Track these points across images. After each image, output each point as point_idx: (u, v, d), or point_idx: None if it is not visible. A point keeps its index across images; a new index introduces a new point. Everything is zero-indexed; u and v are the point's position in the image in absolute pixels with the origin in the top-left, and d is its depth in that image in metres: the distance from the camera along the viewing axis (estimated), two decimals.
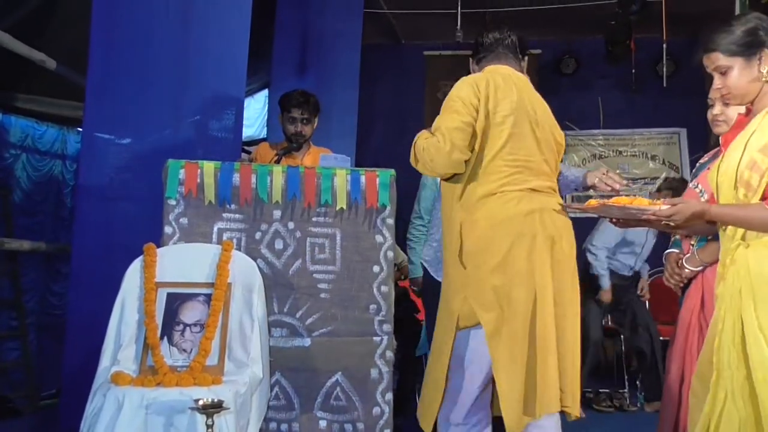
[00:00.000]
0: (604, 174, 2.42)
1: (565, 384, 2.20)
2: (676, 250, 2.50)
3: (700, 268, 2.38)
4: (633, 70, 6.35)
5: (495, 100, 2.24)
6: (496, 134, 2.23)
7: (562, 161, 2.49)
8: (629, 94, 6.61)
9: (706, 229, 2.11)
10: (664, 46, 5.71)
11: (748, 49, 1.89)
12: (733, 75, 1.91)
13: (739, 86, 1.92)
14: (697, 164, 2.74)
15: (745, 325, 1.81)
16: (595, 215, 2.17)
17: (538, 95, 2.39)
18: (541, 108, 2.36)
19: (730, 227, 1.92)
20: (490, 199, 2.23)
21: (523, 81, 2.36)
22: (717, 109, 2.44)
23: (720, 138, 2.31)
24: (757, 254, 1.84)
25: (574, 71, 6.83)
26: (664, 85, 5.89)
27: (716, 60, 1.92)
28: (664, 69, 5.88)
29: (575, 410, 2.22)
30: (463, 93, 2.26)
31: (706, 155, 2.72)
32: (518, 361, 2.16)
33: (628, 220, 2.11)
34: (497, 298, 2.19)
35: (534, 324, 2.18)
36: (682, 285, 2.43)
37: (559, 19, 6.25)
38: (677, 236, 2.51)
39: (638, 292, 4.62)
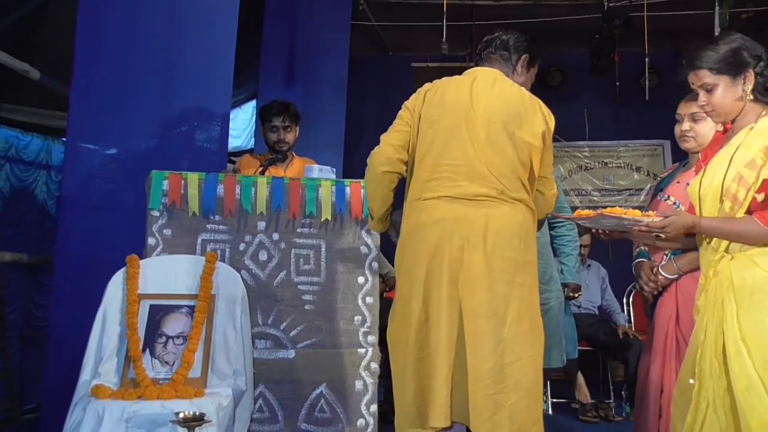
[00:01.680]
0: None
1: (472, 403, 2.01)
2: (645, 259, 2.51)
3: (675, 276, 2.38)
4: (617, 83, 6.42)
5: (428, 104, 2.20)
6: (424, 139, 2.19)
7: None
8: (614, 107, 6.68)
9: (689, 242, 2.12)
10: (647, 59, 5.79)
11: (734, 68, 1.93)
12: (719, 93, 1.95)
13: (724, 104, 1.95)
14: (659, 178, 2.78)
15: (726, 337, 1.83)
16: (585, 225, 2.13)
17: (508, 93, 2.20)
18: (498, 106, 2.16)
19: (714, 239, 1.94)
20: (410, 207, 2.20)
21: (488, 80, 2.20)
22: (686, 125, 2.47)
23: (699, 153, 2.32)
24: (740, 266, 1.87)
25: (560, 84, 6.89)
26: (647, 98, 5.96)
27: (703, 77, 1.95)
28: (647, 82, 5.96)
29: None
30: (409, 100, 2.28)
31: (667, 170, 2.76)
32: (408, 371, 2.09)
33: (613, 231, 2.10)
34: (402, 306, 2.16)
35: (426, 334, 2.08)
36: (656, 292, 2.44)
37: (544, 33, 6.29)
38: (642, 247, 2.53)
39: (621, 337, 4.60)
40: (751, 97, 1.94)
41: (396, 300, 2.23)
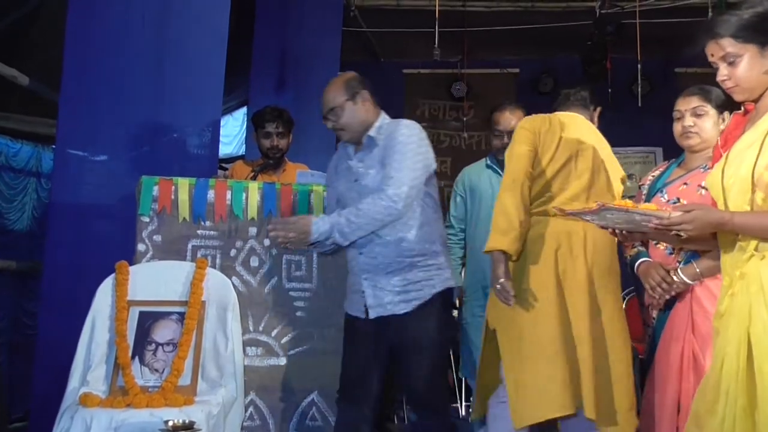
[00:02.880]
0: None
1: (587, 392, 2.30)
2: (646, 259, 2.31)
3: (694, 282, 2.16)
4: (609, 90, 6.44)
5: (547, 132, 2.53)
6: (541, 161, 2.50)
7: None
8: (606, 114, 6.68)
9: (714, 244, 1.82)
10: (639, 66, 5.81)
11: (763, 35, 1.67)
12: (743, 65, 1.69)
13: (750, 78, 1.69)
14: (650, 177, 2.52)
15: (756, 350, 1.59)
16: (594, 222, 1.85)
17: (598, 140, 2.60)
18: (600, 147, 2.58)
19: (742, 236, 1.68)
20: (531, 219, 2.49)
21: (583, 125, 2.62)
22: (689, 121, 2.31)
23: (719, 139, 1.92)
24: None
25: (552, 90, 6.90)
26: (639, 104, 5.98)
27: (725, 47, 1.69)
28: (639, 89, 5.97)
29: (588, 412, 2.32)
30: (525, 124, 2.57)
31: (657, 167, 2.56)
32: (527, 360, 2.34)
33: (633, 232, 1.84)
34: (521, 303, 2.39)
35: (568, 328, 2.35)
36: (668, 296, 2.21)
37: (536, 39, 6.32)
38: (640, 247, 2.35)
39: None
40: None
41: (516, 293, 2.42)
